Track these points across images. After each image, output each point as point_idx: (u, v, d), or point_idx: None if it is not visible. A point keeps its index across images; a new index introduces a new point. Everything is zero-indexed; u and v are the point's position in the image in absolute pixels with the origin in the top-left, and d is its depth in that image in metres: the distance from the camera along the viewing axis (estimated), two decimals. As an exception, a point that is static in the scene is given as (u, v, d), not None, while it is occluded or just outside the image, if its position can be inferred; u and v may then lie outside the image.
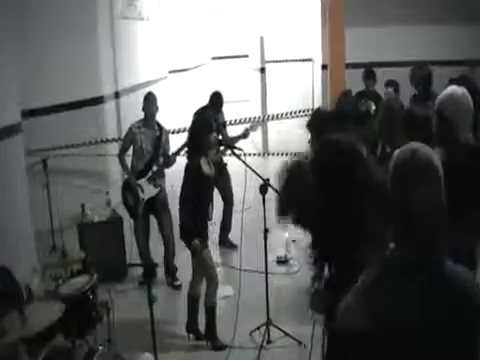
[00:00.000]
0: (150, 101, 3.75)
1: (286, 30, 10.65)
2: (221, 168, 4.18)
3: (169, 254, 3.83)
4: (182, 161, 4.00)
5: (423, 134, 1.67)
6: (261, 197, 2.94)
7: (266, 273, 3.02)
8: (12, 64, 3.52)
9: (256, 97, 8.59)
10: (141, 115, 3.79)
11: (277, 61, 10.07)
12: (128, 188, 3.75)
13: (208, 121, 3.13)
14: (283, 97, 9.00)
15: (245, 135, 4.09)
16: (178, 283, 3.77)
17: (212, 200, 3.11)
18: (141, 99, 3.81)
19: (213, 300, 3.01)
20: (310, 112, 6.78)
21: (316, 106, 6.92)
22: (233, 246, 4.29)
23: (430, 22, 5.88)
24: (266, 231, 2.98)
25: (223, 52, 15.30)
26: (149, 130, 3.76)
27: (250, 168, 3.04)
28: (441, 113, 1.80)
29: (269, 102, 7.84)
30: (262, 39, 8.12)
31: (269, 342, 3.00)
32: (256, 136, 7.04)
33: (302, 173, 1.53)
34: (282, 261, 4.03)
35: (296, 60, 9.78)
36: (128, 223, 3.87)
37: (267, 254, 3.03)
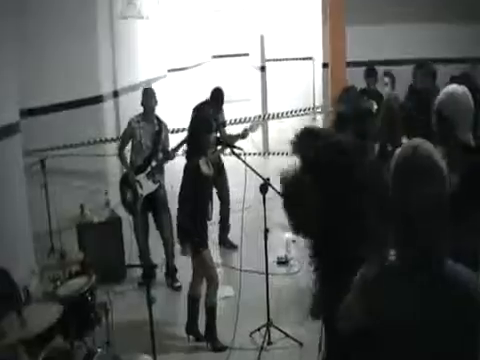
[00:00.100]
0: (149, 95, 3.73)
1: (287, 28, 10.65)
2: (220, 168, 4.18)
3: (169, 255, 3.83)
4: (181, 161, 4.01)
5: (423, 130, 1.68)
6: (261, 196, 2.94)
7: (267, 274, 3.02)
8: (10, 63, 3.52)
9: (256, 96, 8.58)
10: (140, 111, 3.78)
11: (278, 59, 10.06)
12: (126, 183, 3.73)
13: (208, 120, 3.13)
14: (284, 96, 8.99)
15: (244, 135, 4.08)
16: (178, 284, 3.77)
17: (211, 200, 3.11)
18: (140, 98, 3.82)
19: (213, 301, 3.01)
20: (311, 111, 6.79)
21: (317, 104, 6.92)
22: (233, 246, 4.29)
23: (430, 20, 5.88)
24: (266, 231, 2.98)
25: (223, 50, 15.28)
26: (148, 125, 3.75)
27: (250, 167, 3.03)
28: (441, 112, 1.80)
29: (270, 101, 7.83)
30: (262, 37, 8.11)
31: (269, 343, 3.00)
32: (256, 135, 7.03)
33: (298, 184, 1.54)
34: (282, 261, 4.03)
35: (297, 58, 9.78)
36: (127, 223, 3.87)
37: (267, 254, 3.03)
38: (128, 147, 3.82)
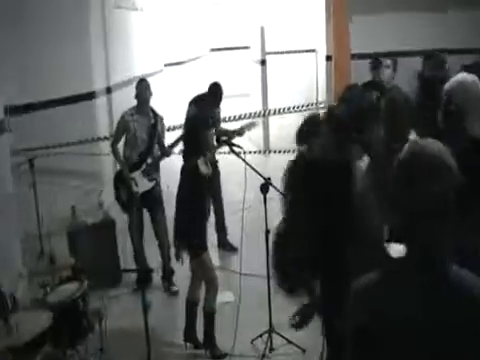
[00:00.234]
0: (143, 86, 3.71)
1: (288, 19, 10.63)
2: (214, 166, 4.17)
3: (165, 257, 3.82)
4: (177, 160, 4.00)
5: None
6: (262, 196, 2.93)
7: (268, 277, 3.01)
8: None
9: (256, 91, 8.57)
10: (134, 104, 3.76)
11: (279, 52, 10.05)
12: (121, 181, 3.72)
13: (206, 115, 3.12)
14: (285, 90, 8.98)
15: (240, 133, 4.07)
16: (175, 289, 3.76)
17: (209, 200, 3.10)
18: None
19: (213, 306, 3.00)
20: (314, 106, 6.78)
21: (320, 99, 6.91)
22: (233, 249, 4.28)
23: (438, 10, 5.87)
24: (268, 232, 2.97)
25: (222, 43, 15.28)
26: (143, 118, 3.72)
27: (250, 166, 3.03)
28: (450, 100, 1.80)
29: (270, 96, 7.82)
30: (263, 29, 8.09)
31: (271, 350, 3.00)
32: (256, 132, 7.02)
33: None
34: (285, 264, 4.03)
35: (299, 51, 9.76)
36: (121, 225, 3.87)
37: (269, 257, 3.02)
38: (122, 142, 3.81)
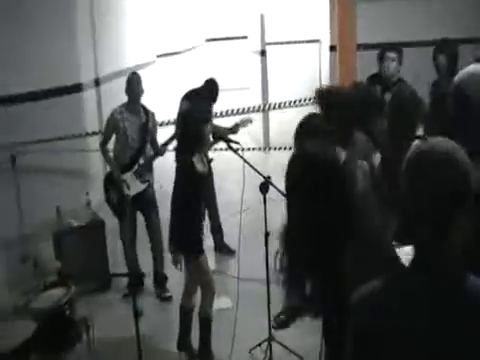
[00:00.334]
0: (134, 82, 3.69)
1: (289, 7, 10.62)
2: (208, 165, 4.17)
3: (158, 261, 3.82)
4: (171, 158, 3.99)
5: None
6: (261, 197, 2.92)
7: (268, 282, 3.01)
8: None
9: (256, 83, 8.57)
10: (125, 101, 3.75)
11: (279, 43, 10.04)
12: (111, 183, 3.71)
13: (202, 110, 3.11)
14: (286, 83, 8.98)
15: (234, 130, 4.07)
16: (168, 294, 3.76)
17: (205, 200, 3.10)
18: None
19: (209, 312, 3.00)
20: (317, 100, 6.77)
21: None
22: (230, 251, 4.29)
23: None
24: (267, 235, 2.96)
25: (219, 33, 15.26)
26: (134, 116, 3.71)
27: (249, 164, 3.02)
28: (462, 92, 1.79)
29: (271, 89, 7.82)
30: (262, 17, 8.08)
31: (271, 360, 3.00)
32: (255, 128, 7.02)
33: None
34: (286, 269, 4.03)
35: (301, 41, 9.76)
36: (111, 226, 3.86)
37: (268, 261, 3.02)
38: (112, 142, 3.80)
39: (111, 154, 3.78)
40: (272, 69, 8.30)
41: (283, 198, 2.02)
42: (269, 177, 2.95)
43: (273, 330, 2.03)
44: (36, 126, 4.49)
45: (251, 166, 3.03)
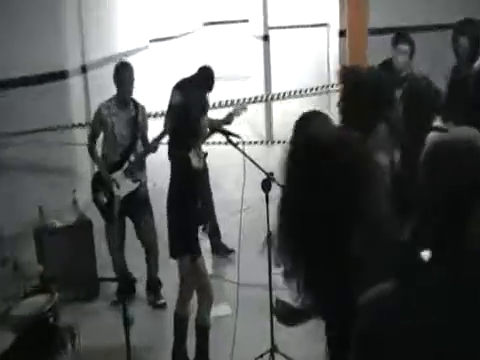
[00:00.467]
0: (125, 73, 3.66)
1: (295, -12, 10.60)
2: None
3: (151, 266, 3.82)
4: (164, 152, 3.98)
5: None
6: (263, 195, 2.92)
7: (270, 288, 3.01)
8: None
9: (258, 72, 8.56)
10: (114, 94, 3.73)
11: (284, 27, 10.02)
12: (100, 183, 3.71)
13: (198, 101, 3.11)
14: (291, 71, 8.97)
15: (228, 120, 4.06)
16: (162, 301, 3.76)
17: (201, 198, 3.10)
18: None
19: (206, 320, 3.01)
20: (324, 90, 6.76)
21: (332, 81, 6.88)
22: (229, 251, 4.29)
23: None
24: (269, 236, 2.95)
25: (217, 16, 15.23)
26: (122, 110, 3.70)
27: (250, 159, 3.03)
28: None
29: (274, 77, 7.81)
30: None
31: (274, 373, 3.00)
32: (257, 120, 7.02)
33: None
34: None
35: (307, 25, 9.74)
36: (99, 227, 3.85)
37: (271, 264, 3.01)
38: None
39: (99, 152, 3.77)
40: (275, 56, 8.29)
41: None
42: (272, 173, 2.94)
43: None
44: (17, 117, 4.48)
45: (252, 161, 3.03)
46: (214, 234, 4.41)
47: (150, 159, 3.97)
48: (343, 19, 6.26)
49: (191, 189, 2.92)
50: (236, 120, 4.19)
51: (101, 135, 3.77)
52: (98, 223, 3.92)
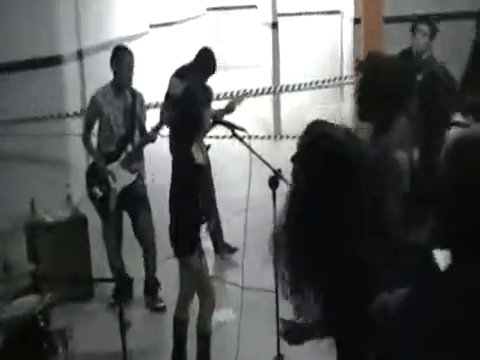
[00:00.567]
0: (122, 56, 3.61)
1: (306, -28, 10.56)
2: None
3: (150, 266, 3.82)
4: (164, 144, 3.96)
5: None
6: (271, 192, 2.91)
7: (276, 291, 3.00)
8: None
9: (266, 61, 8.54)
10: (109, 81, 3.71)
11: (294, 14, 10.00)
12: (95, 175, 3.70)
13: (200, 90, 3.09)
14: (301, 61, 8.94)
15: (230, 109, 4.03)
16: (161, 304, 3.76)
17: (205, 195, 3.09)
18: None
19: (208, 325, 3.00)
20: (337, 81, 6.73)
21: (345, 73, 6.86)
22: (232, 250, 4.28)
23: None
24: (276, 236, 2.94)
25: (223, 1, 15.19)
26: (118, 98, 3.68)
27: (256, 154, 3.01)
28: None
29: (283, 68, 7.79)
30: (274, -17, 8.05)
31: (280, 383, 2.99)
32: (265, 113, 7.00)
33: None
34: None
35: (319, 12, 9.72)
36: (95, 224, 3.85)
37: (277, 267, 3.00)
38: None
39: (95, 143, 3.75)
40: (285, 44, 8.27)
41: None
42: (280, 170, 2.93)
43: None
44: (5, 105, 4.46)
45: (259, 157, 3.01)
46: (216, 233, 4.40)
47: (149, 153, 3.96)
48: (357, 6, 6.25)
49: (194, 185, 2.91)
50: (242, 113, 4.17)
51: (96, 124, 3.76)
52: (93, 219, 3.92)
